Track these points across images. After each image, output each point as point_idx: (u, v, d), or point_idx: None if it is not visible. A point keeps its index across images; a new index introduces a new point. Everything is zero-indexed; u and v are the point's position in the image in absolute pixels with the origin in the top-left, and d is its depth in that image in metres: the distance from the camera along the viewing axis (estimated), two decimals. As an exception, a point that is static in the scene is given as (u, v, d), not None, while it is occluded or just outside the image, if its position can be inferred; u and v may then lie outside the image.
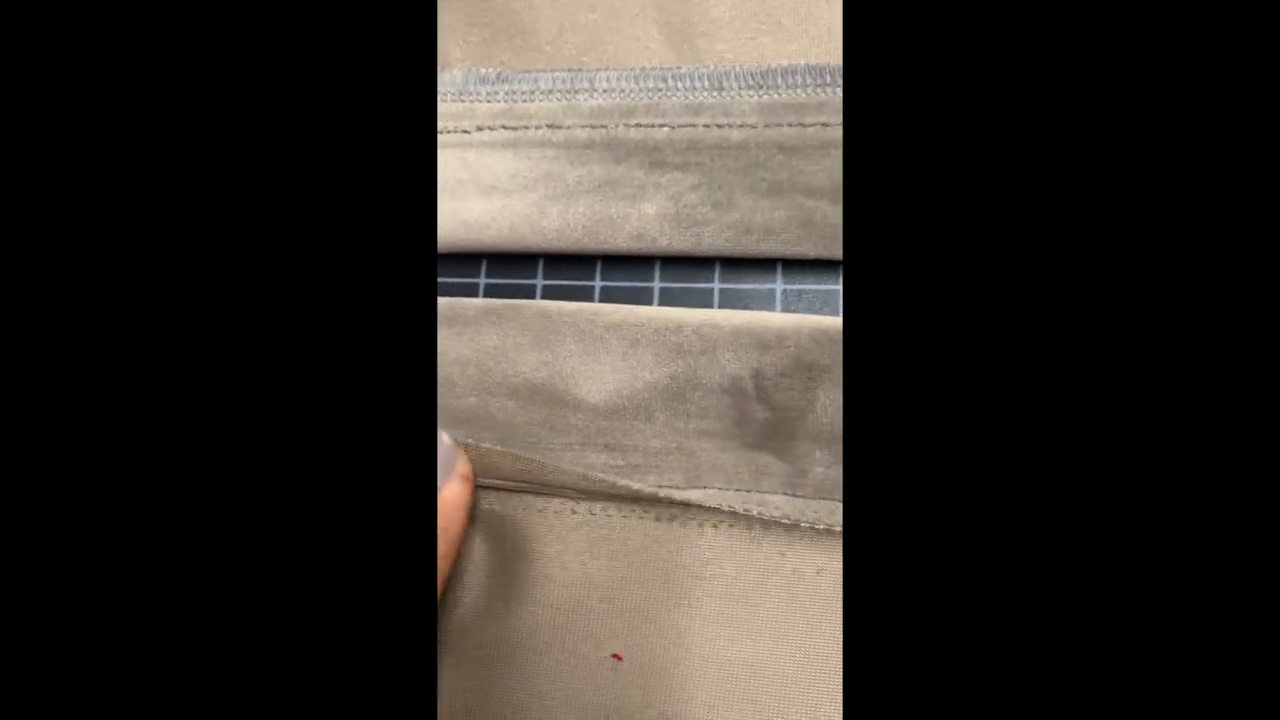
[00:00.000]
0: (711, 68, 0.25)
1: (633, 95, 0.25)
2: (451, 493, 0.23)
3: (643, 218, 0.24)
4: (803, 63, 0.25)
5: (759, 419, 0.24)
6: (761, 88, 0.25)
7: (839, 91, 0.24)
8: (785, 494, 0.23)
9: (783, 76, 0.25)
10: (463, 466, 0.23)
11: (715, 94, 0.25)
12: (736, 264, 0.25)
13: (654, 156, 0.25)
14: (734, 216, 0.24)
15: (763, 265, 0.25)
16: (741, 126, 0.25)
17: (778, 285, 0.25)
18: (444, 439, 0.24)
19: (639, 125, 0.25)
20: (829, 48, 0.25)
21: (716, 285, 0.25)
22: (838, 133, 0.24)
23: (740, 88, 0.25)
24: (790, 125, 0.24)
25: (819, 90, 0.25)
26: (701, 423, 0.24)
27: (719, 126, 0.25)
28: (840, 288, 0.25)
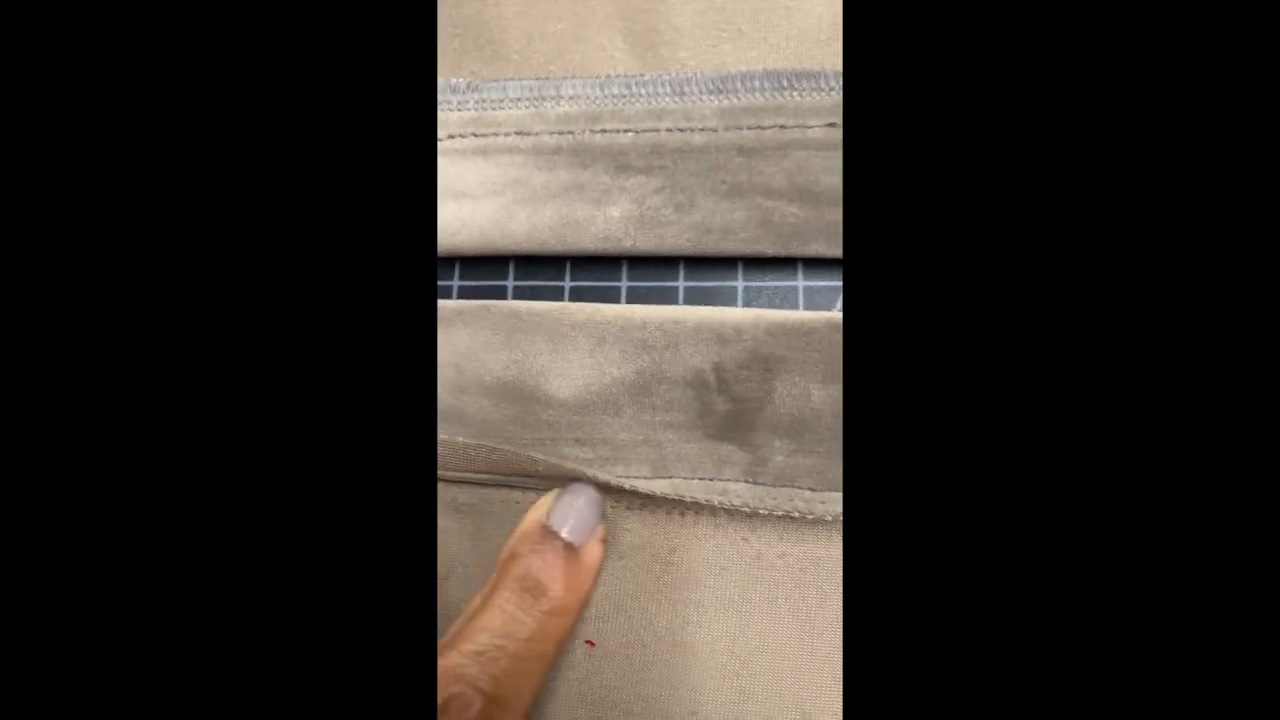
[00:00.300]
0: (674, 74, 0.26)
1: (598, 102, 0.26)
2: (592, 554, 0.24)
3: (608, 220, 0.25)
4: (760, 68, 0.26)
5: (720, 410, 0.24)
6: (721, 92, 0.26)
7: (795, 95, 0.25)
8: (747, 482, 0.24)
9: (741, 81, 0.26)
10: (602, 530, 0.24)
11: (677, 99, 0.26)
12: (700, 262, 0.26)
13: (619, 161, 0.26)
14: (695, 217, 0.25)
15: (725, 263, 0.26)
16: (703, 130, 0.26)
17: (739, 283, 0.26)
18: (593, 496, 0.24)
19: (604, 131, 0.26)
20: (786, 53, 0.26)
21: (681, 283, 0.26)
22: (794, 134, 0.25)
23: (701, 93, 0.26)
24: (749, 128, 0.25)
25: (776, 94, 0.26)
26: (666, 415, 0.25)
27: (681, 131, 0.26)
28: (799, 284, 0.26)
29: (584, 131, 0.26)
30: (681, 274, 0.26)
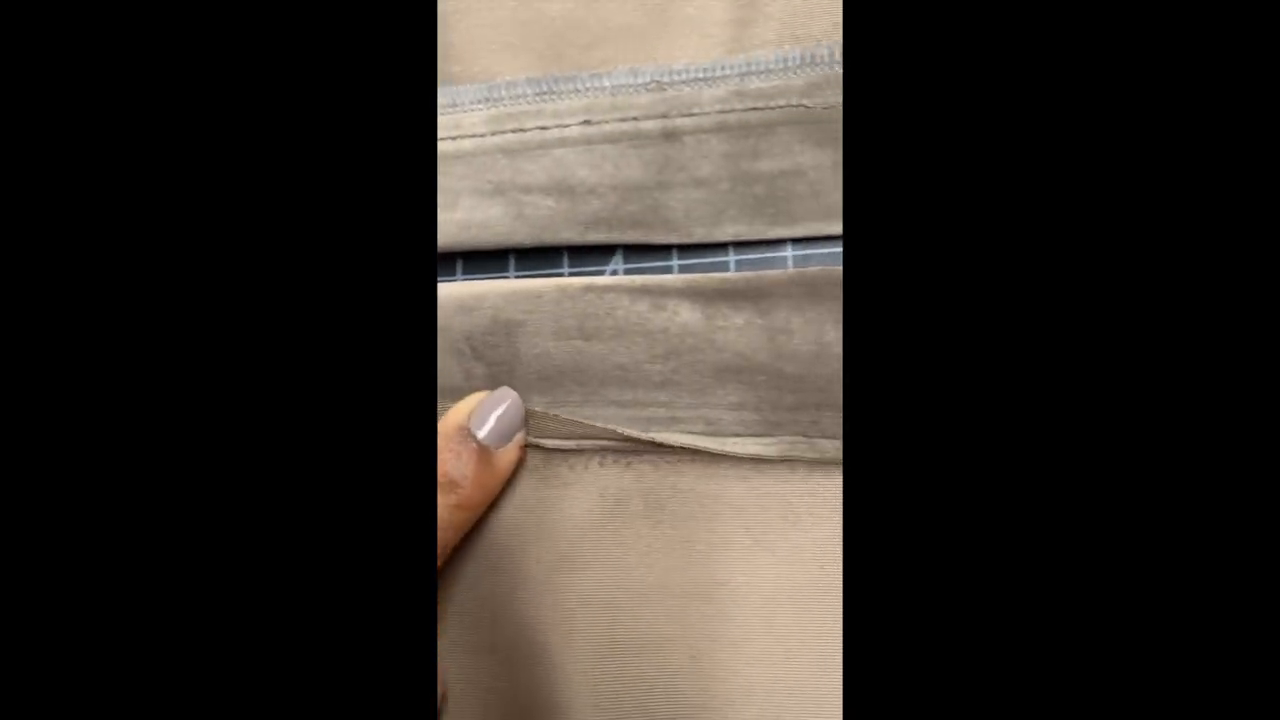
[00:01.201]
0: (446, 90, 0.28)
1: (382, 119, 0.29)
2: (506, 458, 0.26)
3: (380, 223, 0.28)
4: (524, 76, 0.28)
5: (480, 375, 0.27)
6: (489, 101, 0.28)
7: (555, 99, 0.27)
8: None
9: (506, 89, 0.28)
10: (522, 437, 0.26)
11: (449, 113, 0.28)
12: (476, 258, 0.28)
13: (398, 170, 0.28)
14: (457, 215, 0.27)
15: (497, 257, 0.28)
16: (472, 137, 0.28)
17: (510, 274, 0.28)
18: (516, 401, 0.26)
19: None
20: (550, 60, 0.28)
21: (459, 277, 0.28)
22: (554, 134, 0.27)
23: (471, 103, 0.28)
24: (512, 132, 0.28)
25: (538, 100, 0.28)
26: (439, 383, 0.27)
27: (454, 139, 0.28)
28: (565, 270, 0.28)
29: (368, 146, 0.28)
30: (459, 270, 0.28)
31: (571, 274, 0.27)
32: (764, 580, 0.25)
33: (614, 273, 0.27)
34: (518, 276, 0.28)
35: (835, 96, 0.25)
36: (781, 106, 0.26)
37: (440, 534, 0.24)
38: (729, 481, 0.25)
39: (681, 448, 0.25)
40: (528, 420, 0.26)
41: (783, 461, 0.25)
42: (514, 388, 0.27)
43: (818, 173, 0.25)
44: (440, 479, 0.24)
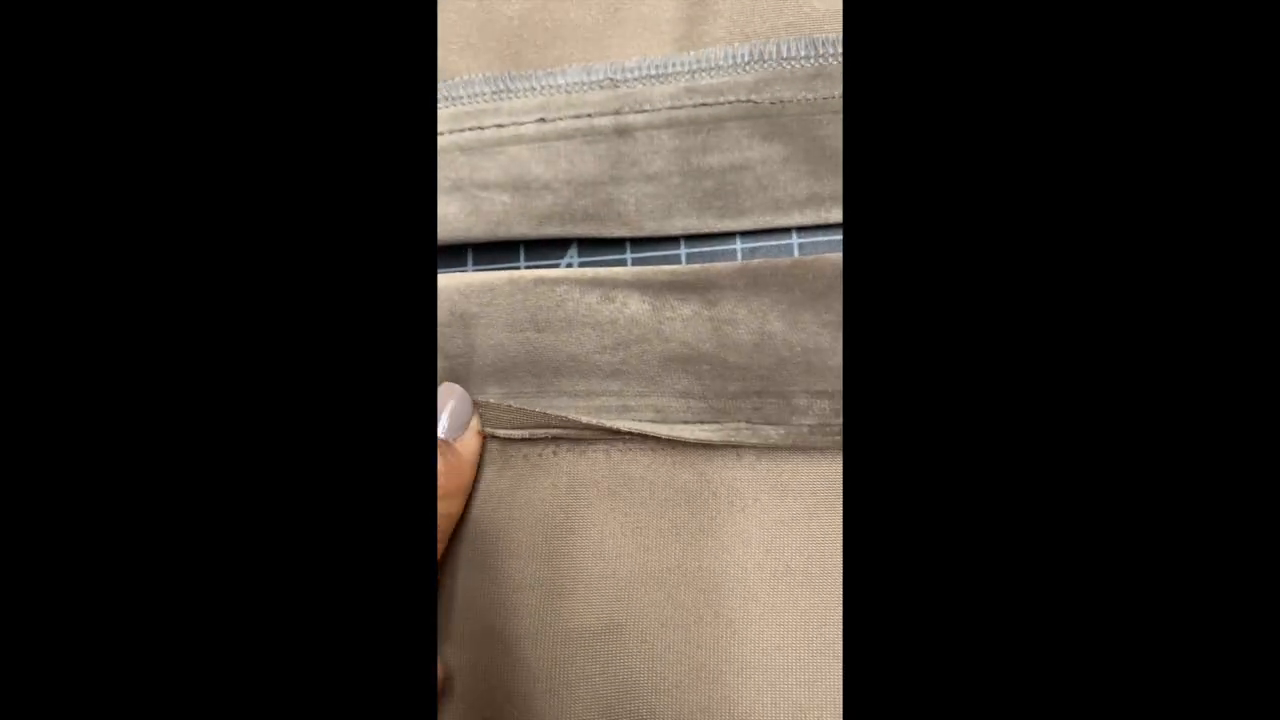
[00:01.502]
0: (409, 87, 0.29)
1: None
2: (468, 445, 0.27)
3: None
4: (480, 75, 0.29)
5: (442, 368, 0.27)
6: (448, 100, 0.29)
7: (511, 97, 0.28)
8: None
9: (464, 88, 0.29)
10: (477, 423, 0.27)
11: None
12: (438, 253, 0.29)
13: (360, 168, 0.29)
14: (415, 211, 0.28)
15: (455, 252, 0.29)
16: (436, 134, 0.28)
17: (469, 267, 0.28)
18: (462, 394, 0.27)
19: None
20: (507, 58, 0.29)
21: (420, 273, 0.29)
22: (510, 131, 0.28)
23: (431, 102, 0.29)
24: (470, 130, 0.28)
25: (495, 98, 0.28)
26: None
27: (414, 137, 0.29)
28: (521, 265, 0.28)
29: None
30: (420, 264, 0.29)
31: (527, 268, 0.28)
32: (710, 565, 0.25)
33: (569, 266, 0.28)
34: (475, 271, 0.28)
35: (783, 92, 0.26)
36: (731, 102, 0.26)
37: None
38: (678, 469, 0.26)
39: (632, 434, 0.26)
40: (479, 410, 0.27)
41: (730, 448, 0.25)
42: (470, 380, 0.27)
43: (765, 167, 0.26)
44: None
